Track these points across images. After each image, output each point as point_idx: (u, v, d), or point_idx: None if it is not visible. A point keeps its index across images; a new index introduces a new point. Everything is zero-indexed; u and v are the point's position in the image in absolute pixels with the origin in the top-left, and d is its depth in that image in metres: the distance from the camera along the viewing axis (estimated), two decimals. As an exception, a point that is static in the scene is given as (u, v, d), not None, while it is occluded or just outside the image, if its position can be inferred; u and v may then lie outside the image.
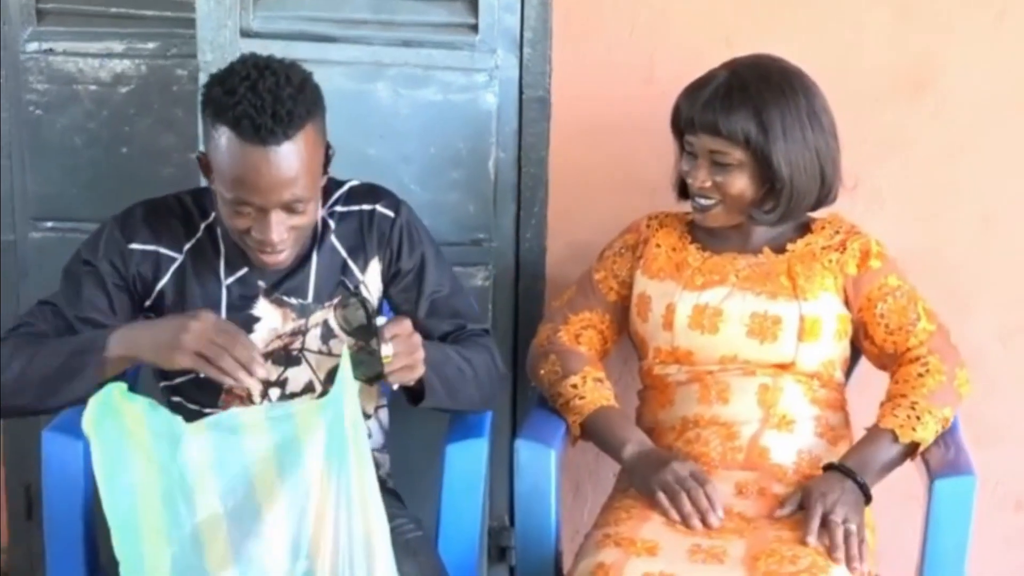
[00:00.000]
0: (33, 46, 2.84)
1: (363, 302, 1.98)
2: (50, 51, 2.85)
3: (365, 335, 1.97)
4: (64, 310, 2.18)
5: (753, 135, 2.26)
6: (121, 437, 1.85)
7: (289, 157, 2.01)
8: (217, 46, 2.60)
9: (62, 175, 2.89)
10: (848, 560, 2.09)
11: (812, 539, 2.11)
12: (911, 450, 2.25)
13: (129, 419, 1.86)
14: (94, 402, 1.88)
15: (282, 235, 2.07)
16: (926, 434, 2.24)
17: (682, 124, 2.34)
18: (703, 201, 2.35)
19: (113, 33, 2.83)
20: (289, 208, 2.05)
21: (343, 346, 1.96)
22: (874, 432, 2.27)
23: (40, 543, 2.38)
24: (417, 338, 2.04)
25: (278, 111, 1.98)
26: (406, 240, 2.28)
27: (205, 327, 1.99)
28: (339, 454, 1.86)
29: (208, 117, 2.04)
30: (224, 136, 2.00)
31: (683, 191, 2.42)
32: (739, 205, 2.33)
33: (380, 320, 1.99)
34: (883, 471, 2.25)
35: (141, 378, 2.44)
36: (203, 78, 2.59)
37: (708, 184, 2.32)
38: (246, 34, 2.62)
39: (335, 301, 2.03)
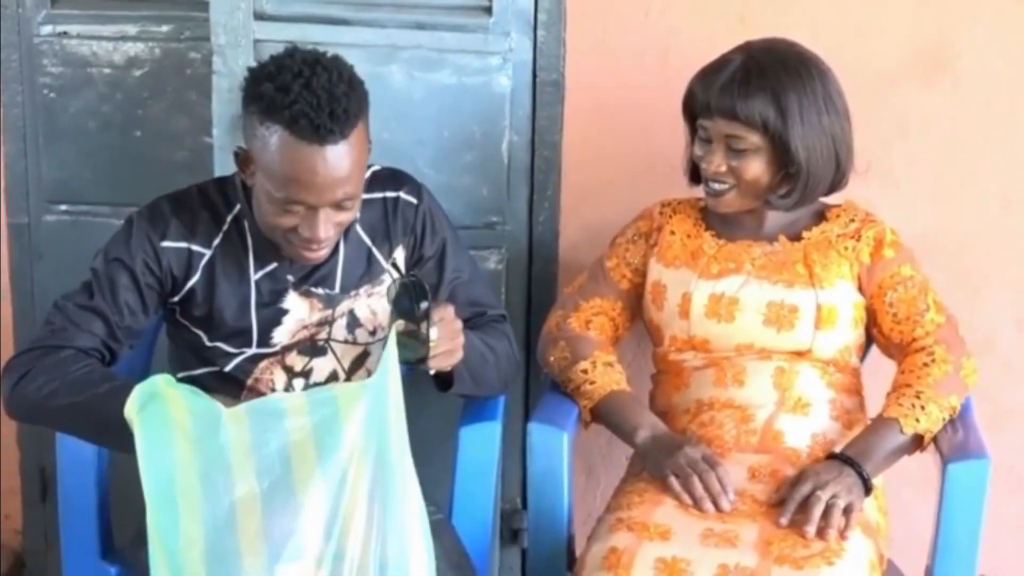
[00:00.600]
0: (47, 29, 2.83)
1: (416, 285, 1.96)
2: (64, 34, 2.84)
3: (414, 318, 1.96)
4: (107, 313, 2.13)
5: (771, 120, 2.25)
6: (163, 420, 1.86)
7: (344, 156, 1.99)
8: (231, 29, 2.60)
9: (76, 158, 2.88)
10: (823, 527, 2.08)
11: (784, 519, 2.12)
12: (917, 440, 2.25)
13: (171, 404, 1.87)
14: (139, 390, 1.89)
15: (329, 232, 2.06)
16: (930, 424, 2.24)
17: (697, 109, 2.33)
18: (717, 186, 2.34)
19: (127, 16, 2.82)
20: (338, 206, 2.04)
21: (391, 328, 1.94)
22: (878, 421, 2.27)
23: (55, 525, 2.40)
24: (459, 324, 2.04)
25: (335, 110, 1.96)
26: (429, 226, 2.27)
27: None
28: (379, 435, 1.86)
29: (256, 114, 2.00)
30: (277, 135, 1.97)
31: (695, 176, 2.42)
32: (754, 190, 2.32)
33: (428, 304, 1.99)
34: (887, 460, 2.24)
35: (154, 369, 2.45)
36: (217, 61, 2.60)
37: (723, 169, 2.31)
38: (259, 17, 2.62)
39: (388, 283, 2.01)
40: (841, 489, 2.13)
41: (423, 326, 1.95)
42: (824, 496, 2.12)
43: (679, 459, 2.21)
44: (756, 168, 2.30)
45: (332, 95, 1.96)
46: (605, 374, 2.37)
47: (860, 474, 2.18)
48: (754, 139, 2.27)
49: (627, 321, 2.49)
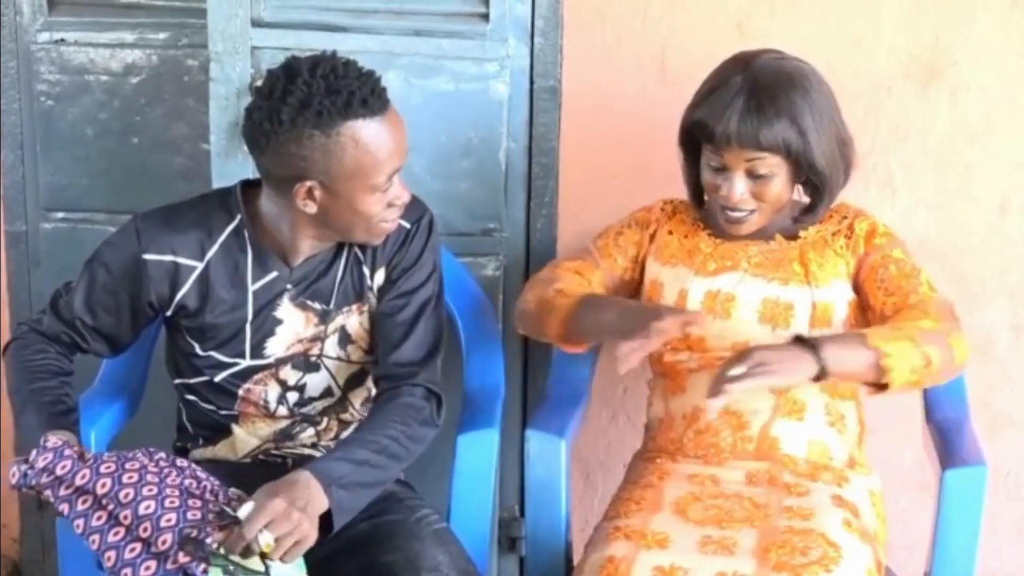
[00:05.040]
0: (44, 36, 2.84)
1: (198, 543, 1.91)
2: (62, 41, 2.84)
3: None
4: (74, 309, 2.19)
5: (794, 143, 2.24)
6: None
7: (398, 118, 2.09)
8: (228, 36, 2.59)
9: (73, 165, 2.89)
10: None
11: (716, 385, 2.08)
12: (880, 366, 2.13)
13: None
14: None
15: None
16: (897, 356, 2.11)
17: (705, 137, 2.28)
18: (740, 214, 2.31)
19: (124, 23, 2.82)
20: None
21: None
22: (848, 332, 2.24)
23: (52, 534, 2.42)
24: (294, 515, 1.92)
25: (369, 78, 2.05)
26: (411, 249, 2.23)
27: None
28: None
29: (315, 132, 2.00)
30: (353, 129, 2.01)
31: (700, 200, 2.40)
32: (776, 207, 2.31)
33: (245, 509, 1.91)
34: (844, 360, 2.12)
35: (151, 375, 2.47)
36: (214, 68, 2.62)
37: (747, 196, 2.29)
38: (257, 24, 2.61)
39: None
40: (774, 356, 2.08)
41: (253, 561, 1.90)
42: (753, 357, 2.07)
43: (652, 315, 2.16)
44: (777, 187, 2.28)
45: (356, 71, 2.05)
46: (579, 287, 2.35)
47: (813, 348, 2.10)
48: (775, 161, 2.26)
49: (600, 289, 2.44)
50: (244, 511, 1.90)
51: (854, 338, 2.16)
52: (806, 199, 2.34)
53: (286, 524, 1.90)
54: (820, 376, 2.10)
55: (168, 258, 2.15)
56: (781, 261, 2.34)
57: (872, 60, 2.62)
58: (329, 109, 1.99)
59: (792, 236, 2.36)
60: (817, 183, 2.29)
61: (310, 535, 1.93)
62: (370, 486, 2.07)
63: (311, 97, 1.99)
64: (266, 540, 1.88)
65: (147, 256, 2.14)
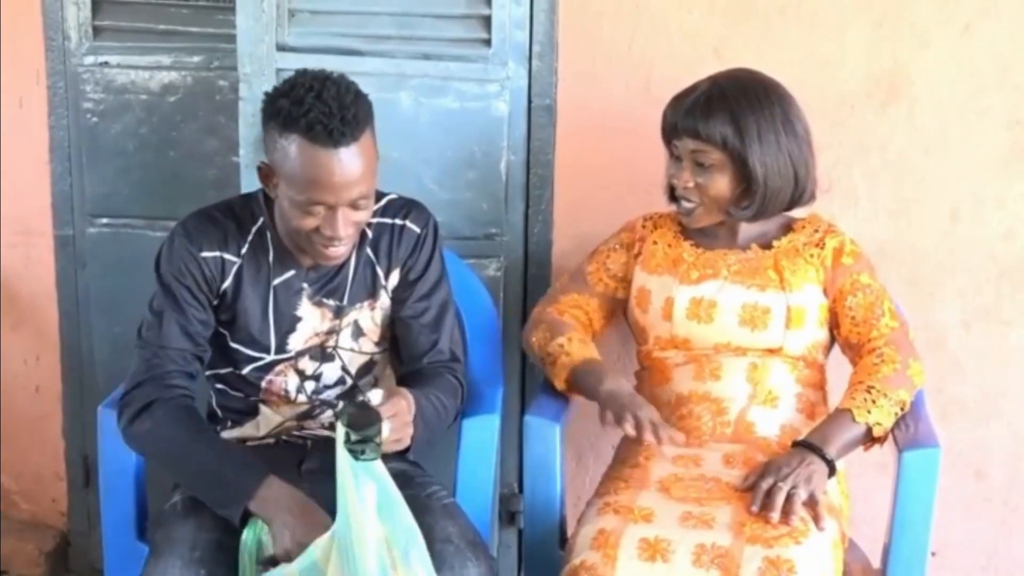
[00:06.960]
0: (90, 59, 2.85)
1: (364, 406, 1.91)
2: (105, 64, 2.84)
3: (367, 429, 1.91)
4: (184, 325, 2.13)
5: (729, 138, 2.26)
6: None
7: (356, 157, 2.00)
8: (256, 59, 2.61)
9: (116, 176, 2.89)
10: (785, 515, 2.08)
11: (755, 507, 2.10)
12: (871, 431, 2.22)
13: None
14: None
15: (348, 230, 2.06)
16: (881, 416, 2.22)
17: (668, 130, 2.34)
18: (687, 204, 2.35)
19: (162, 48, 2.83)
20: (354, 205, 2.04)
21: (339, 444, 1.88)
22: (834, 414, 2.26)
23: (96, 508, 2.46)
24: (408, 416, 1.99)
25: (345, 116, 1.98)
26: (424, 254, 2.25)
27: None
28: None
29: (275, 128, 2.02)
30: (295, 143, 1.99)
31: (673, 195, 2.41)
32: (719, 204, 2.33)
33: (376, 395, 1.93)
34: (844, 447, 2.22)
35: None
36: (243, 88, 2.60)
37: (691, 185, 2.31)
38: (282, 48, 2.63)
39: (340, 407, 1.96)
40: (801, 480, 2.12)
41: (375, 436, 1.89)
42: (785, 487, 2.10)
43: (634, 409, 2.20)
44: (720, 183, 2.30)
45: (341, 103, 1.98)
46: (580, 347, 2.36)
47: (823, 458, 2.17)
48: (716, 155, 2.28)
49: (601, 319, 2.48)
50: (375, 397, 1.93)
51: (844, 424, 2.21)
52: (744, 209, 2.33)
53: (401, 423, 1.96)
54: (831, 473, 2.18)
55: (217, 253, 2.16)
56: (757, 269, 2.35)
57: (837, 81, 2.62)
58: (287, 115, 1.99)
59: (767, 246, 2.38)
60: (755, 190, 2.29)
61: (406, 440, 2.00)
62: (431, 432, 2.12)
63: (280, 99, 2.01)
64: (386, 431, 1.90)
65: (203, 254, 2.15)
